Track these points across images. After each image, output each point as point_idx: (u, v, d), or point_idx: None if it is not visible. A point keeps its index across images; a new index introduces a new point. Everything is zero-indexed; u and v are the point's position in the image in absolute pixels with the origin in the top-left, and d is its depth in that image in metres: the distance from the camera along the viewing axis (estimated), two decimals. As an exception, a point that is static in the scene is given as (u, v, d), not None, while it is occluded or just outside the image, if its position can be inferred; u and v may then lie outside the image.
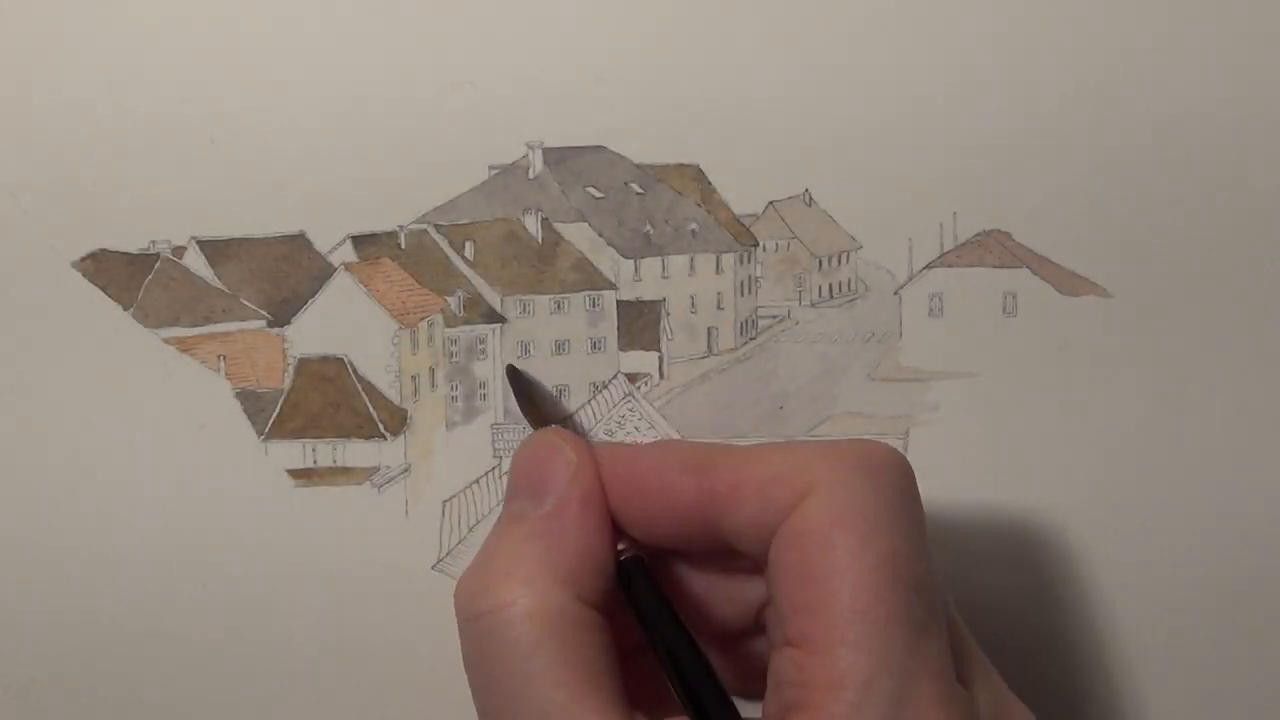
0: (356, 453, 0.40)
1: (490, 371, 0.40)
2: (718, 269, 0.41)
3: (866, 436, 0.40)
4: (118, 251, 0.39)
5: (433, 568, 0.40)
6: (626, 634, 0.32)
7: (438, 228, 0.40)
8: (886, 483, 0.30)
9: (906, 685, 0.28)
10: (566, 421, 0.40)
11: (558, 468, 0.33)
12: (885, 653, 0.28)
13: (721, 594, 0.34)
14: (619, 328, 0.40)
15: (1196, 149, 0.39)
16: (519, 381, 0.39)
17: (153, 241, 0.39)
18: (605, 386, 0.40)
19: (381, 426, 0.40)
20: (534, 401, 0.39)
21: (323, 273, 0.40)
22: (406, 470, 0.40)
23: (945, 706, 0.28)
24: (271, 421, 0.40)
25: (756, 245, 0.40)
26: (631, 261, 0.40)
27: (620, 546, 0.33)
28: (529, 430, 0.38)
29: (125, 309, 0.39)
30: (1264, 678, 0.41)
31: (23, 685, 0.40)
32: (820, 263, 0.41)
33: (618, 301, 0.40)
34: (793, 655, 0.29)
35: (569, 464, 0.33)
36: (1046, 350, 0.40)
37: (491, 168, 0.40)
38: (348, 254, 0.40)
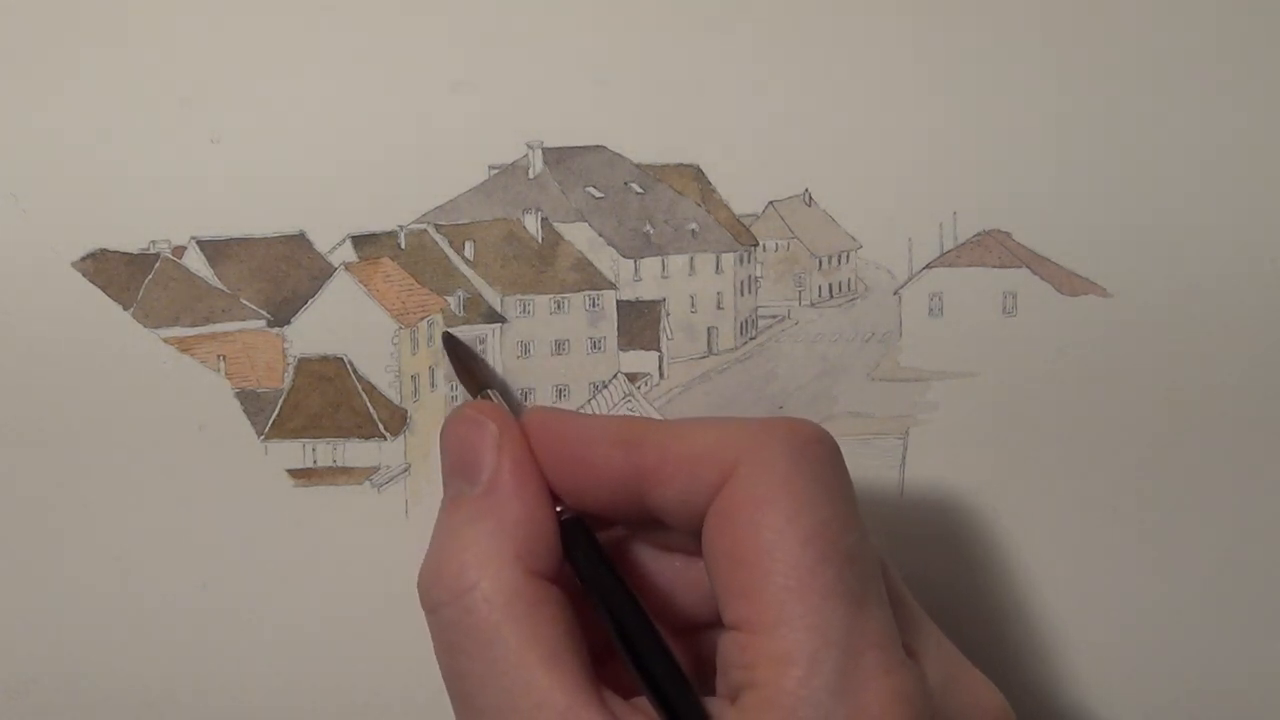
0: (356, 453, 0.40)
1: (489, 372, 0.40)
2: (718, 269, 0.41)
3: (867, 436, 0.40)
4: (118, 251, 0.39)
5: (433, 568, 0.40)
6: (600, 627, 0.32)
7: (438, 228, 0.40)
8: (810, 458, 0.30)
9: (850, 657, 0.28)
10: (504, 389, 0.39)
11: (484, 441, 0.32)
12: (826, 627, 0.28)
13: (684, 583, 0.33)
14: (619, 328, 0.40)
15: (1196, 148, 0.39)
16: (455, 349, 0.39)
17: (153, 241, 0.39)
18: (605, 386, 0.40)
19: (381, 426, 0.40)
20: (469, 369, 0.38)
21: (323, 273, 0.40)
22: (406, 470, 0.40)
23: (892, 674, 0.28)
24: (271, 421, 0.40)
25: (756, 245, 0.40)
26: (631, 261, 0.40)
27: (558, 509, 0.32)
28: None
29: (125, 309, 0.39)
30: (1259, 681, 0.41)
31: (23, 685, 0.40)
32: (820, 263, 0.41)
33: (618, 301, 0.40)
34: (736, 638, 0.29)
35: (493, 435, 0.32)
36: (1046, 350, 0.40)
37: (491, 168, 0.40)
38: (348, 254, 0.40)
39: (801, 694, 0.28)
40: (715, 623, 0.33)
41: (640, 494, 0.31)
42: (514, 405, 0.39)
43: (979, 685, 0.31)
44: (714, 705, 0.30)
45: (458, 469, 0.33)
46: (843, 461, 0.31)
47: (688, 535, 0.32)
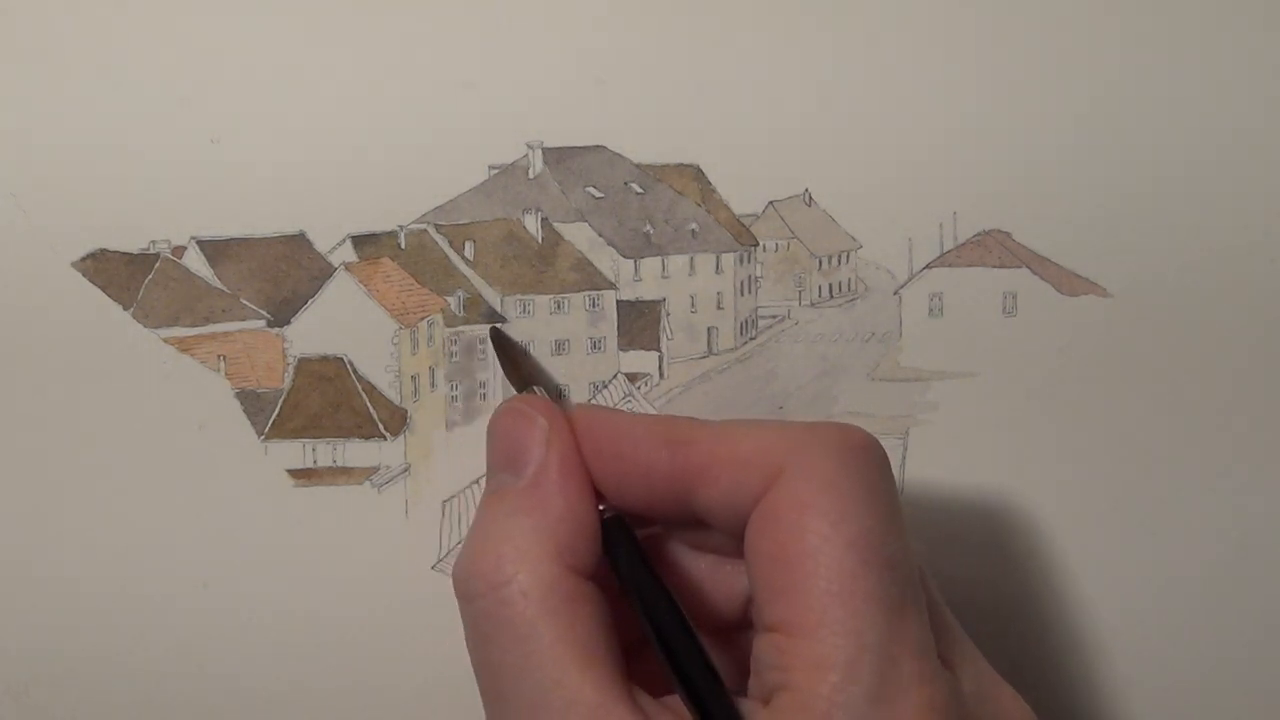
0: (356, 453, 0.40)
1: (490, 371, 0.40)
2: (718, 269, 0.41)
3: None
4: (118, 251, 0.39)
5: (433, 568, 0.40)
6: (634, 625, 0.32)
7: (438, 228, 0.40)
8: (857, 464, 0.30)
9: (888, 664, 0.28)
10: (551, 385, 0.39)
11: (532, 435, 0.32)
12: (865, 633, 0.28)
13: (715, 583, 0.33)
14: (619, 328, 0.40)
15: (1196, 148, 0.39)
16: (503, 344, 0.39)
17: (153, 241, 0.39)
18: (605, 386, 0.40)
19: (381, 426, 0.40)
20: (517, 364, 0.38)
21: (323, 273, 0.40)
22: (406, 470, 0.40)
23: (928, 684, 0.28)
24: (271, 421, 0.40)
25: (756, 245, 0.40)
26: (631, 261, 0.40)
27: (600, 507, 0.32)
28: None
29: (125, 309, 0.39)
30: (1257, 682, 0.41)
31: (23, 685, 0.40)
32: (820, 263, 0.41)
33: (618, 301, 0.40)
34: (774, 640, 0.29)
35: (542, 430, 0.32)
36: (1046, 350, 0.40)
37: (491, 168, 0.40)
38: (348, 254, 0.40)
39: (837, 699, 0.28)
40: (744, 624, 0.33)
41: (685, 494, 0.31)
42: (560, 402, 0.39)
43: (1008, 699, 0.31)
44: (745, 706, 0.30)
45: (504, 461, 0.33)
46: (889, 468, 0.31)
47: (727, 536, 0.32)
